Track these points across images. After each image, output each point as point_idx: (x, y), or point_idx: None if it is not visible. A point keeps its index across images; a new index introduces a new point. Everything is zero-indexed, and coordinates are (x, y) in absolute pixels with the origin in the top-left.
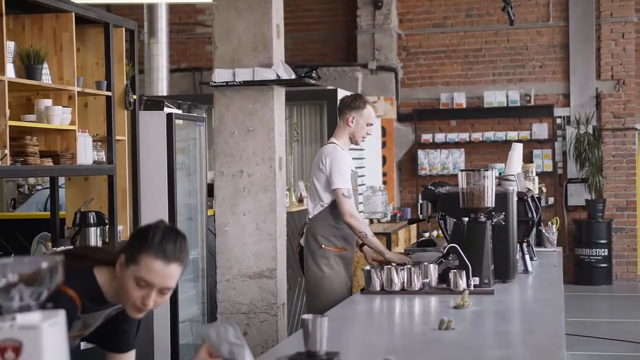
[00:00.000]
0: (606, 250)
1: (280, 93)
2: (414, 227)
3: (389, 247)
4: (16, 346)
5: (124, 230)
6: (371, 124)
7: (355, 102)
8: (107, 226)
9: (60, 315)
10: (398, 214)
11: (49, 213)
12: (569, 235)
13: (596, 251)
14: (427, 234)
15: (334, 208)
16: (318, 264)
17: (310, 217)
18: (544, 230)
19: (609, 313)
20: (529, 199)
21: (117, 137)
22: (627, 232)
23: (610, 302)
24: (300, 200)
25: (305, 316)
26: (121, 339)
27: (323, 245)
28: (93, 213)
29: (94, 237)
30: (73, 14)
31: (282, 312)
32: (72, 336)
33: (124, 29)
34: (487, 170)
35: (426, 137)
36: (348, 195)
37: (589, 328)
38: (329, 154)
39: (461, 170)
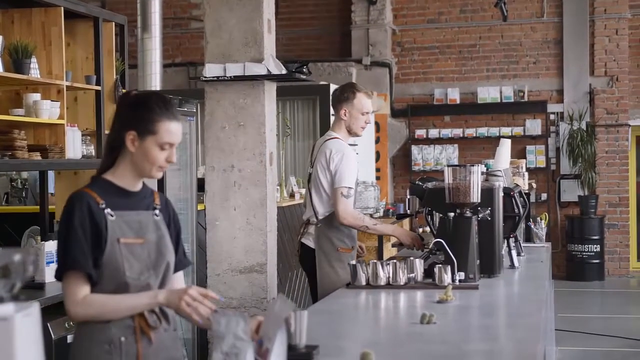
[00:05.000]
0: (598, 246)
1: (271, 88)
2: (408, 222)
3: (380, 242)
4: None
5: None
6: (366, 112)
7: (344, 93)
8: None
9: (34, 307)
10: (391, 209)
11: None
12: (561, 231)
13: (589, 247)
14: (420, 230)
15: None
16: (333, 267)
17: (320, 217)
18: (532, 226)
19: (601, 309)
20: (516, 195)
21: (107, 131)
22: (620, 228)
23: (602, 298)
24: (292, 195)
25: None
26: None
27: (339, 248)
28: None
29: None
30: (62, 8)
31: None
32: (128, 242)
33: (113, 23)
34: (473, 166)
35: (420, 132)
36: (346, 195)
37: (581, 324)
38: (338, 151)
39: (447, 166)
